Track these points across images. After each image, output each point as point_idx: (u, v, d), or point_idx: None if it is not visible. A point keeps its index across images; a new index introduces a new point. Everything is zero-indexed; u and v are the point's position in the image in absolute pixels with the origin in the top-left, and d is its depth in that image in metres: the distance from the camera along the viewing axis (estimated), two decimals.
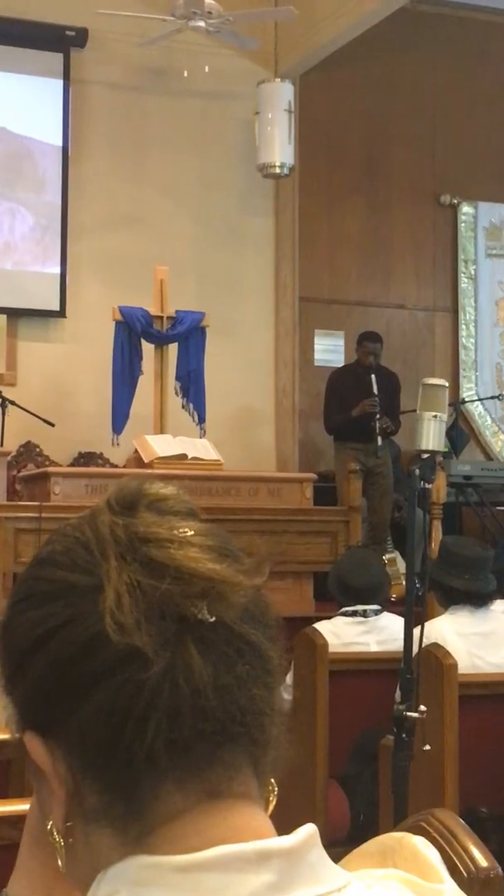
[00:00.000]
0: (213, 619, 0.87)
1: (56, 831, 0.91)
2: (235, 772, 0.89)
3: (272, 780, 0.94)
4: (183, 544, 0.90)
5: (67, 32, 9.50)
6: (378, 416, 8.45)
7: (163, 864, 0.85)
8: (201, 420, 8.14)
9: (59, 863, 0.91)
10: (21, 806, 1.76)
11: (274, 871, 0.85)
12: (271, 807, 0.93)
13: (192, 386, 8.16)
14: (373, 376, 8.62)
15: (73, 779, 0.89)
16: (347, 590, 4.92)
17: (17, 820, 1.69)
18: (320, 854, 0.89)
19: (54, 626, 0.89)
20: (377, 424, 8.43)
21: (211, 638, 0.87)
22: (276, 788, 0.94)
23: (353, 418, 8.55)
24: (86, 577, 0.89)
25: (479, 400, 10.87)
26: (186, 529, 0.92)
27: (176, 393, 8.14)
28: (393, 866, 0.97)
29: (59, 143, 9.54)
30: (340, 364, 9.77)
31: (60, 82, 9.55)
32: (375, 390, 8.54)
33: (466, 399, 10.78)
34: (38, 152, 9.53)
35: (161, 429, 7.84)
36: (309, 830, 0.89)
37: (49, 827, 0.91)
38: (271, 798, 0.94)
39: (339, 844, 2.57)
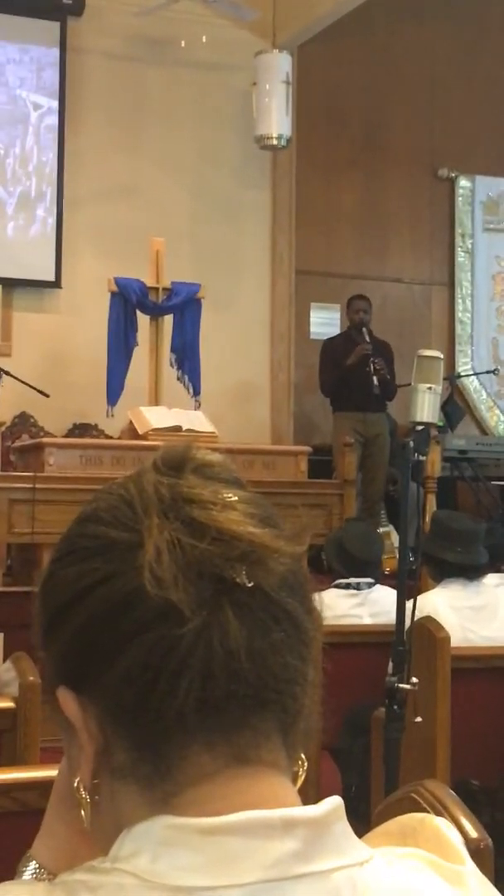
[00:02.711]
0: (251, 583, 0.88)
1: (83, 787, 0.91)
2: (265, 739, 0.89)
3: (303, 756, 0.94)
4: (226, 508, 0.90)
5: (64, 1, 9.42)
6: (373, 358, 8.49)
7: (188, 825, 0.85)
8: (196, 392, 8.12)
9: (84, 820, 0.92)
10: (11, 775, 1.76)
11: (299, 840, 0.85)
12: (300, 781, 0.93)
13: (187, 358, 8.14)
14: (364, 329, 8.69)
15: (104, 735, 0.89)
16: (351, 561, 4.93)
17: (8, 789, 1.70)
18: (345, 827, 0.89)
19: (93, 582, 0.89)
20: (372, 367, 8.47)
21: (248, 602, 0.87)
22: (307, 763, 0.94)
23: (349, 368, 8.61)
24: (127, 533, 0.90)
25: (475, 374, 10.87)
26: (230, 495, 0.92)
27: (171, 365, 8.12)
28: (414, 846, 0.97)
29: (56, 113, 9.48)
30: None
31: (57, 51, 9.49)
32: (368, 339, 8.61)
33: (462, 373, 10.78)
34: (36, 120, 9.47)
35: (156, 401, 7.83)
36: (334, 802, 0.89)
37: (76, 783, 0.92)
38: (300, 773, 0.94)
39: None
